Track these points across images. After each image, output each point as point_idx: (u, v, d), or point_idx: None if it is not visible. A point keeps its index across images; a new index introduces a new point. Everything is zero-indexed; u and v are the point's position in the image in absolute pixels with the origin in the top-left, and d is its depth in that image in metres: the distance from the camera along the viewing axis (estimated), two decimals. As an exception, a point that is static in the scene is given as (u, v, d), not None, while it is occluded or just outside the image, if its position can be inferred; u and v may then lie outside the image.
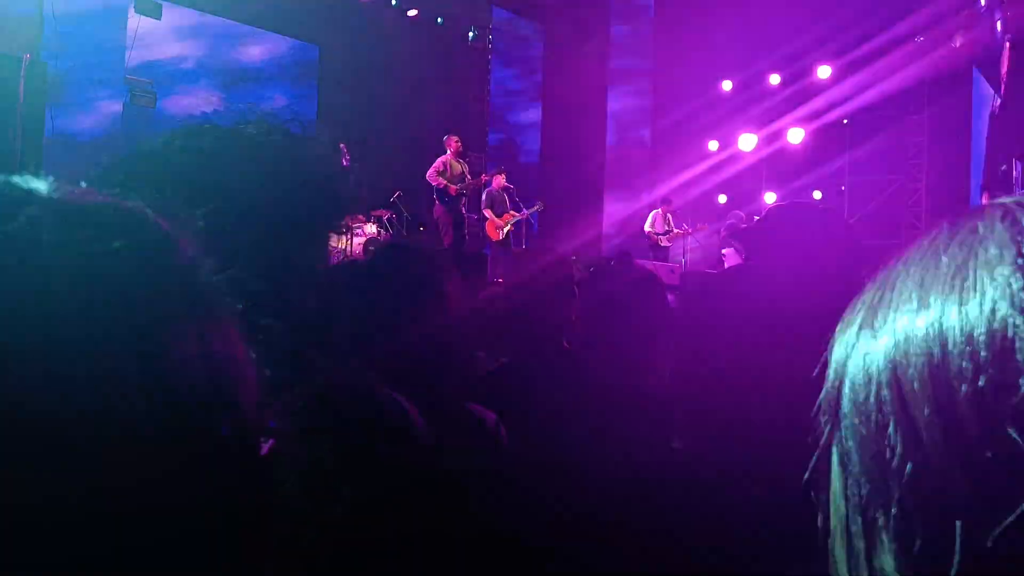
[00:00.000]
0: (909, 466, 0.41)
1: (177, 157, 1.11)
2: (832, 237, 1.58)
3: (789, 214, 1.76)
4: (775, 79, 15.92)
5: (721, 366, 1.11)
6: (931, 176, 14.86)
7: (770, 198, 16.06)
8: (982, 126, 13.17)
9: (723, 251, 14.01)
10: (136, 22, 11.42)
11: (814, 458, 0.50)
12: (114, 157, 1.12)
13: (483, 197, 11.92)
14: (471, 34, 16.05)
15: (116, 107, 11.53)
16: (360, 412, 1.23)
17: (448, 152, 11.06)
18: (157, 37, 12.69)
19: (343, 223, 1.25)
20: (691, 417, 1.17)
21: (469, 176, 11.30)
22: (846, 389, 0.46)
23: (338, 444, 1.03)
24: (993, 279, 0.41)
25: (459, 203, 11.02)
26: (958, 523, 0.39)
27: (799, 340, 0.91)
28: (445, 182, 10.87)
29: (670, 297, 2.20)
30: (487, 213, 11.75)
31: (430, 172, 10.95)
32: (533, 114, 17.26)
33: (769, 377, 1.05)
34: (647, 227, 13.77)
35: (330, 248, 1.24)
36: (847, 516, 0.45)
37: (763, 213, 1.83)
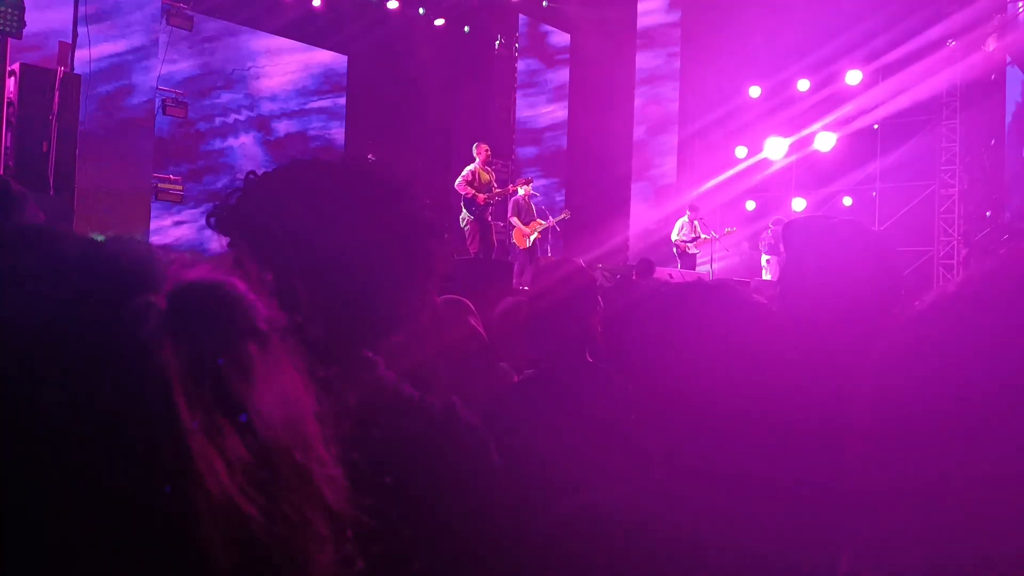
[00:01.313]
0: None
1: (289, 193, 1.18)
2: (865, 260, 1.55)
3: (822, 231, 1.72)
4: (804, 85, 15.78)
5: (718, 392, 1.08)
6: (964, 182, 14.63)
7: (799, 204, 15.90)
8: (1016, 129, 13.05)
9: (765, 258, 13.89)
10: (168, 33, 11.58)
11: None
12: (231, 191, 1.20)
13: (510, 205, 11.92)
14: (498, 42, 16.09)
15: (148, 118, 11.69)
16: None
17: (477, 161, 11.07)
18: (188, 47, 12.87)
19: (431, 266, 1.24)
20: (673, 445, 1.13)
21: (496, 185, 11.29)
22: None
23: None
24: None
25: (486, 212, 11.03)
26: None
27: (828, 370, 0.89)
28: (473, 192, 10.89)
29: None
30: (514, 221, 11.75)
31: (459, 182, 10.96)
32: (560, 121, 17.25)
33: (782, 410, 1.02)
34: (674, 235, 13.69)
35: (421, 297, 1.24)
36: None
37: (795, 225, 1.78)
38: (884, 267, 1.53)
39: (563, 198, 16.14)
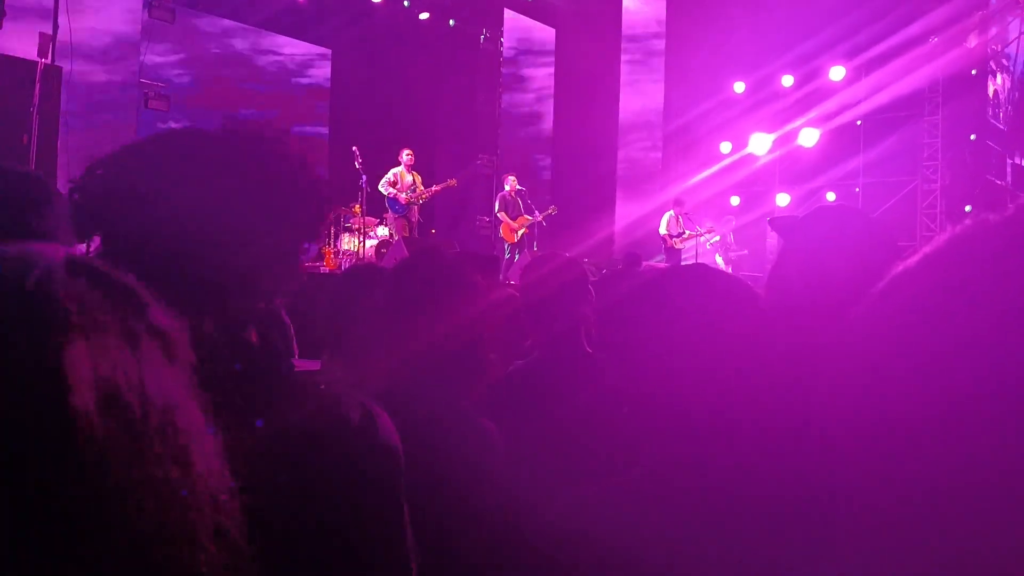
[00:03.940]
0: None
1: (148, 165, 1.09)
2: (863, 245, 1.53)
3: (832, 217, 1.71)
4: (788, 80, 15.84)
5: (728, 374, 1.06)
6: (946, 178, 14.74)
7: (783, 199, 15.97)
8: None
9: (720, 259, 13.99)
10: (150, 25, 11.46)
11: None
12: (94, 162, 1.10)
13: (497, 201, 12.04)
14: (483, 36, 16.04)
15: (130, 111, 11.58)
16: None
17: (402, 165, 11.45)
18: (171, 40, 12.74)
19: (319, 232, 1.21)
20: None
21: (421, 187, 11.58)
22: None
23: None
24: None
25: (409, 211, 11.42)
26: None
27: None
28: (395, 192, 11.30)
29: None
30: (501, 216, 11.89)
31: (382, 183, 11.39)
32: (545, 116, 17.24)
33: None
34: (662, 230, 13.77)
35: (301, 259, 1.20)
36: None
37: (784, 219, 1.76)
38: (884, 252, 1.51)
39: (549, 192, 16.13)
